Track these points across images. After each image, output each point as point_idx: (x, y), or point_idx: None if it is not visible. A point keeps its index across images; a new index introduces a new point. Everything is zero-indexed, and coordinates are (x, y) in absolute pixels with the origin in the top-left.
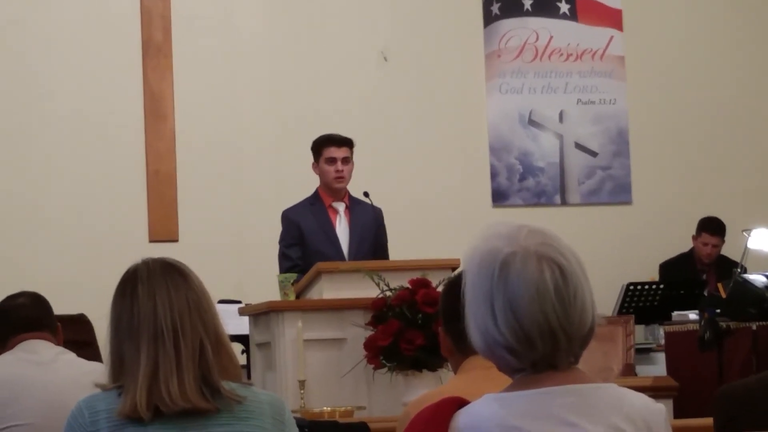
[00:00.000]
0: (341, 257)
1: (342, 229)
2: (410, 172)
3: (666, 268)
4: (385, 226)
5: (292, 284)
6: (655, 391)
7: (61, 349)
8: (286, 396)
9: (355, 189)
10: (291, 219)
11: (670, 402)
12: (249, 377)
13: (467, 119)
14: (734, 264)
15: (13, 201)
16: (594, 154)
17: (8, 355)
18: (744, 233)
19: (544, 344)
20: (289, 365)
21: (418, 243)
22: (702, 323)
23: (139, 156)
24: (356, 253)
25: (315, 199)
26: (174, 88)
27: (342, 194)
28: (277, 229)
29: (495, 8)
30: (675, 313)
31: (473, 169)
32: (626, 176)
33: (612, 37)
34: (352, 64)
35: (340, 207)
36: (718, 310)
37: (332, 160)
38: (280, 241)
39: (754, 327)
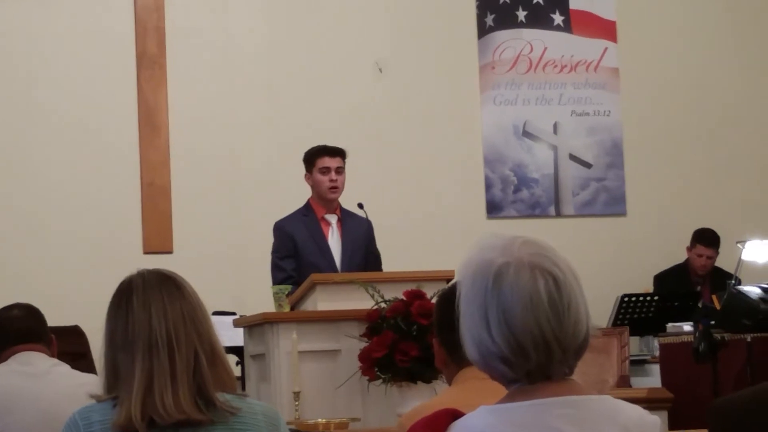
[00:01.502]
0: (334, 269)
1: (334, 241)
2: (405, 183)
3: (660, 279)
4: (375, 239)
5: (287, 296)
6: (649, 402)
7: (55, 360)
8: (281, 407)
9: (349, 200)
10: (285, 231)
11: (665, 413)
12: (244, 389)
13: (462, 131)
14: (729, 276)
15: (8, 212)
16: (588, 165)
17: (2, 367)
18: (738, 245)
19: (538, 355)
20: (283, 377)
21: (413, 254)
22: (697, 335)
23: (133, 168)
24: (349, 265)
25: (307, 211)
26: (168, 100)
27: (334, 206)
28: (272, 240)
29: (489, 20)
30: (669, 325)
31: (468, 180)
32: (620, 188)
33: (606, 49)
34: (347, 76)
35: (333, 219)
36: (713, 322)
37: (326, 170)
38: (274, 253)
39: (748, 339)
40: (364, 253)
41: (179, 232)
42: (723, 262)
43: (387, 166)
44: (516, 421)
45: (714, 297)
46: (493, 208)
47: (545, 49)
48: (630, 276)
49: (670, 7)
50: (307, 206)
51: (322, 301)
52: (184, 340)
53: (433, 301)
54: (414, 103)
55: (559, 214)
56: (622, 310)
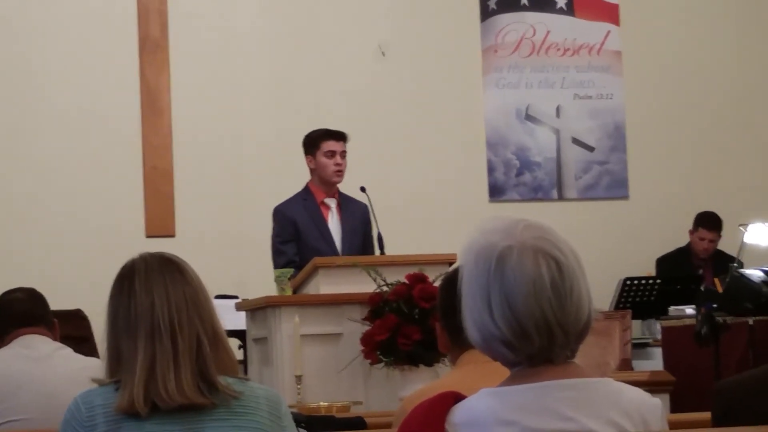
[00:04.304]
0: (335, 253)
1: (334, 225)
2: (407, 166)
3: (663, 262)
4: (371, 222)
5: (289, 279)
6: (651, 385)
7: (58, 344)
8: (283, 391)
9: (352, 183)
10: (286, 215)
11: (667, 396)
12: (246, 372)
13: (464, 114)
14: (731, 259)
15: (10, 196)
16: (591, 149)
17: (5, 351)
18: (741, 228)
19: (540, 338)
20: (286, 360)
21: (415, 238)
22: (699, 318)
23: (136, 151)
24: (349, 248)
25: (307, 195)
26: (171, 84)
27: (333, 190)
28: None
29: (492, 3)
30: (672, 308)
31: (470, 164)
32: (623, 171)
33: (609, 32)
34: (349, 59)
35: (332, 203)
36: (715, 305)
37: (332, 154)
38: (275, 237)
39: (750, 322)
40: (362, 237)
41: (181, 215)
42: (725, 245)
43: (389, 149)
44: (517, 404)
45: (716, 280)
46: (496, 192)
47: (548, 32)
48: (632, 259)
49: None
50: (306, 190)
51: (325, 284)
52: (187, 324)
53: (436, 284)
54: (416, 87)
55: (561, 198)
56: (625, 294)
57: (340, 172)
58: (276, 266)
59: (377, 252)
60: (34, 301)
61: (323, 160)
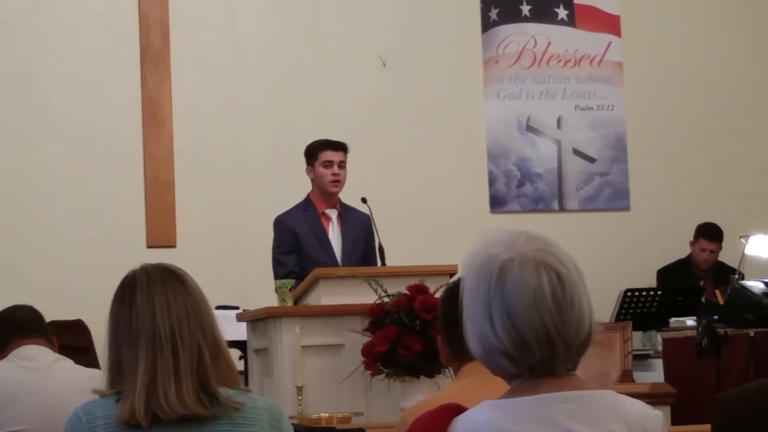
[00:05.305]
0: (335, 264)
1: (335, 236)
2: (408, 177)
3: (663, 274)
4: (373, 233)
5: (290, 290)
6: (652, 397)
7: (58, 355)
8: (284, 402)
9: (353, 194)
10: (286, 225)
11: (668, 409)
12: (246, 383)
13: (465, 125)
14: (732, 270)
15: (11, 206)
16: (592, 160)
17: (6, 362)
18: (741, 239)
19: (541, 351)
20: (286, 371)
21: (416, 249)
22: (699, 330)
23: (137, 162)
24: (349, 260)
25: (307, 205)
26: (172, 94)
27: (334, 200)
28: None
29: (493, 14)
30: (673, 320)
31: (471, 175)
32: (624, 182)
33: (610, 43)
34: (350, 69)
35: (333, 214)
36: (716, 317)
37: (329, 164)
38: (275, 248)
39: (751, 333)
40: (363, 247)
41: (183, 226)
42: (726, 256)
43: (390, 160)
44: (518, 416)
45: (717, 292)
46: (497, 203)
47: (549, 43)
48: (633, 270)
49: (673, 1)
50: (307, 201)
51: (326, 295)
52: (188, 335)
53: (437, 295)
54: (417, 97)
55: (562, 209)
56: (626, 305)
57: (336, 182)
58: (276, 277)
59: (378, 263)
60: (33, 311)
61: (321, 170)
